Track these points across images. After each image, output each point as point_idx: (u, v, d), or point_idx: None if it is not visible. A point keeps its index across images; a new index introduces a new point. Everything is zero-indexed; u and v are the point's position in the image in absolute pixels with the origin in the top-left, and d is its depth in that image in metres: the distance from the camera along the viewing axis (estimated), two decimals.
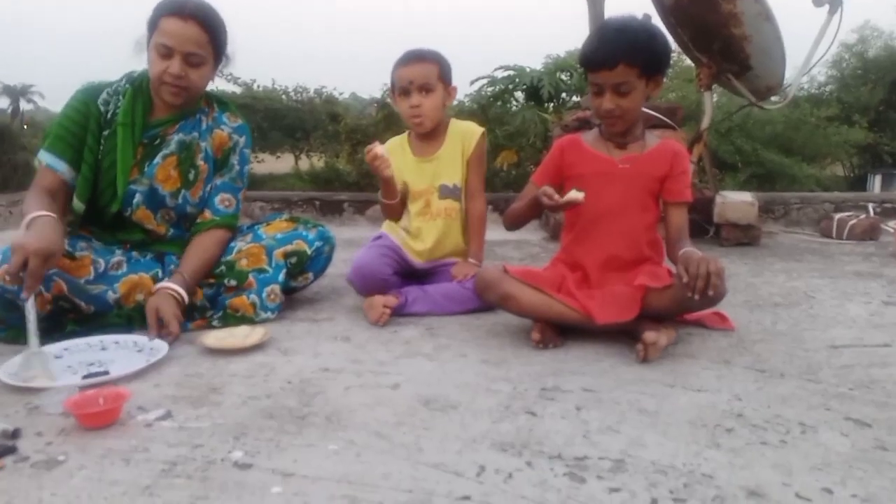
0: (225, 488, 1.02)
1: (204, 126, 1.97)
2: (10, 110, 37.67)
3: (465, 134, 2.20)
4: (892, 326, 1.83)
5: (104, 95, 1.88)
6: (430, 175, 2.18)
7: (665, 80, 1.79)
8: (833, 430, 1.20)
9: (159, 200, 1.91)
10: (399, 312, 1.97)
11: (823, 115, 12.11)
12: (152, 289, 1.79)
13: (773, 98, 3.35)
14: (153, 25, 1.81)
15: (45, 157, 1.83)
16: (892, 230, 2.90)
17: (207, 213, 1.97)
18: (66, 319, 1.76)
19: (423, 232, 2.17)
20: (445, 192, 2.17)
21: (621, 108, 1.72)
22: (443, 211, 2.17)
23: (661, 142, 1.86)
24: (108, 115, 1.86)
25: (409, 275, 2.15)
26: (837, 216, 3.38)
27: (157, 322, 1.70)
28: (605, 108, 1.72)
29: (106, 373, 1.49)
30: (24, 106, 39.49)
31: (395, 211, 2.19)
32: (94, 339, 1.69)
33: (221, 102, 2.06)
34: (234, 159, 2.02)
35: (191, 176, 1.93)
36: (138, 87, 1.90)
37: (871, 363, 1.54)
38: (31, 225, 1.60)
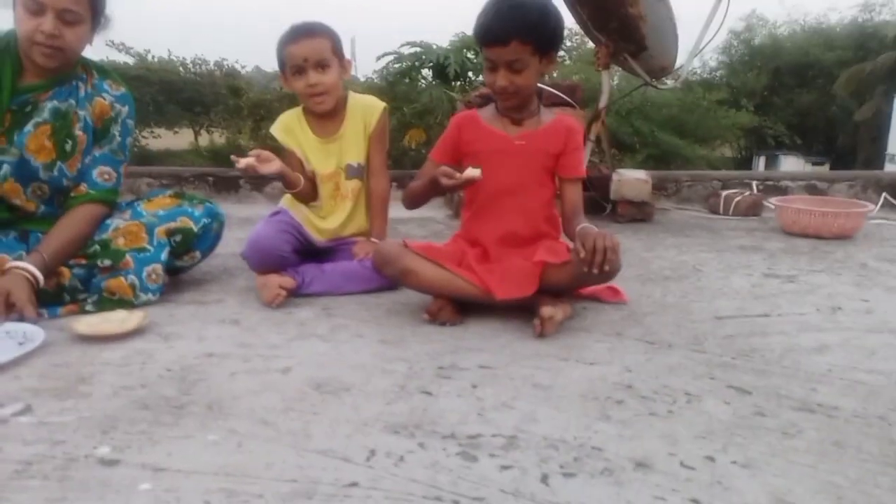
0: (86, 488, 0.93)
1: (82, 93, 1.79)
2: None
3: (367, 109, 2.10)
4: (771, 297, 1.93)
5: None
6: (335, 155, 2.08)
7: (559, 56, 1.78)
8: (716, 399, 1.24)
9: (31, 173, 1.73)
10: (296, 293, 1.89)
11: (714, 99, 12.74)
12: (2, 267, 1.62)
13: (668, 81, 3.45)
14: None
15: None
16: (773, 206, 3.07)
17: (83, 187, 1.80)
18: None
19: (333, 212, 2.10)
20: (352, 172, 2.09)
21: (515, 84, 1.70)
22: (350, 192, 2.10)
23: (555, 118, 1.86)
24: None
25: (308, 253, 2.06)
26: (724, 193, 3.54)
27: (5, 307, 1.53)
28: (499, 84, 1.70)
29: None
30: None
31: (308, 196, 2.06)
32: None
33: (101, 69, 1.87)
34: (116, 130, 1.86)
35: (67, 147, 1.76)
36: (4, 48, 1.70)
37: (752, 332, 1.61)
38: None
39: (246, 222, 3.08)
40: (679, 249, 2.60)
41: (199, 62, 17.62)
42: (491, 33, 1.67)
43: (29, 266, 1.60)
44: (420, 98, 8.83)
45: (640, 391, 1.27)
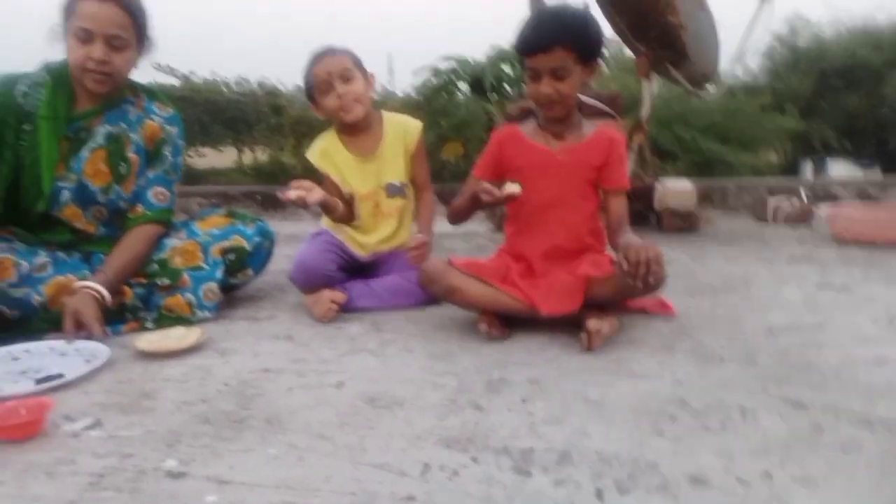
0: (156, 499, 0.97)
1: (132, 117, 1.88)
2: None
3: (404, 128, 2.14)
4: (825, 309, 1.89)
5: (22, 87, 1.76)
6: (374, 175, 2.10)
7: (600, 65, 1.79)
8: (771, 413, 1.22)
9: (90, 196, 1.82)
10: (344, 308, 1.93)
11: (758, 104, 12.50)
12: (71, 287, 1.69)
13: (710, 88, 3.42)
14: (69, 11, 1.71)
15: None
16: (823, 214, 3.01)
17: (140, 208, 1.89)
18: None
19: (375, 230, 2.12)
20: (393, 191, 2.12)
21: (559, 92, 1.72)
22: (394, 210, 2.12)
23: (597, 130, 1.87)
24: (28, 109, 1.75)
25: (353, 269, 2.10)
26: (772, 201, 3.48)
27: (73, 325, 1.60)
28: (543, 92, 1.72)
29: (61, 376, 1.40)
30: None
31: (346, 218, 2.08)
32: (1, 351, 1.58)
33: (149, 91, 1.96)
34: (167, 150, 1.94)
35: (122, 169, 1.84)
36: (59, 78, 1.79)
37: (807, 345, 1.58)
38: None
39: (293, 239, 3.15)
40: (727, 260, 2.57)
41: (242, 82, 18.07)
42: (534, 41, 1.69)
43: (96, 285, 1.68)
44: (457, 111, 8.87)
45: (692, 406, 1.26)
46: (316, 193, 1.87)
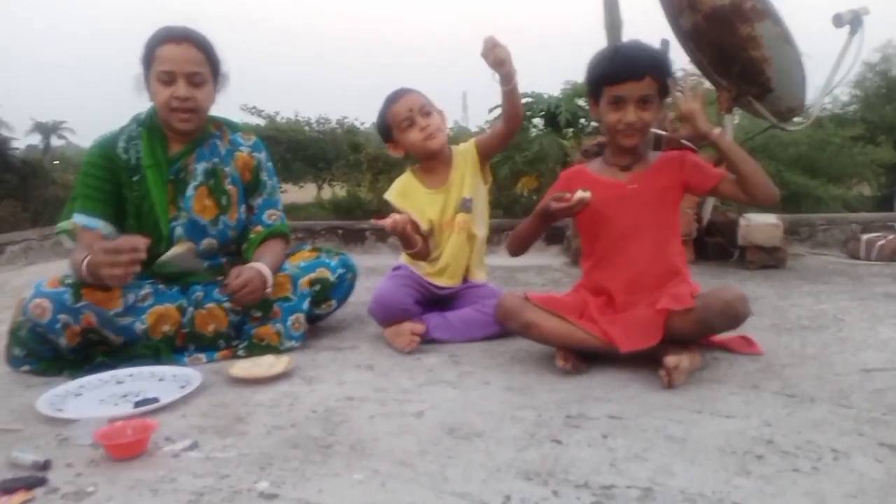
0: None
1: (223, 151, 2.01)
2: (41, 146, 38.72)
3: (463, 152, 2.21)
4: None
5: (121, 144, 1.91)
6: (450, 204, 2.16)
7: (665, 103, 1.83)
8: (867, 457, 1.17)
9: (201, 230, 1.96)
10: (424, 339, 1.98)
11: (848, 135, 11.96)
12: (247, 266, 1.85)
13: (796, 119, 3.33)
14: (149, 60, 1.85)
15: (80, 219, 1.87)
16: None
17: (259, 227, 2.04)
18: (94, 351, 1.79)
19: (443, 248, 2.16)
20: (462, 207, 2.17)
21: (643, 120, 1.74)
22: (460, 225, 2.15)
23: (661, 155, 1.89)
24: (133, 162, 1.90)
25: (431, 302, 2.15)
26: (865, 237, 3.32)
27: (236, 275, 1.79)
28: (628, 120, 1.74)
29: (156, 399, 1.51)
30: (54, 142, 40.57)
31: (423, 255, 2.14)
32: (106, 375, 1.70)
33: (230, 124, 2.10)
34: (264, 176, 2.08)
35: (223, 201, 1.98)
36: (150, 127, 1.93)
37: None
38: (89, 263, 1.65)
39: (372, 272, 3.24)
40: (817, 297, 2.47)
41: (323, 121, 18.78)
42: (624, 69, 1.73)
43: (261, 267, 1.85)
44: (531, 146, 8.92)
45: (781, 446, 1.22)
46: (405, 217, 1.98)
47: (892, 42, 15.94)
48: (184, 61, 1.83)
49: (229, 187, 1.99)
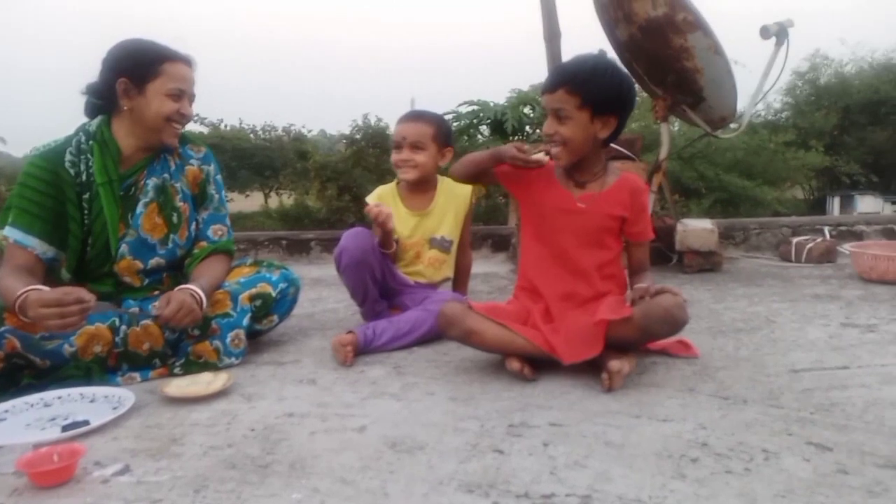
0: None
1: (173, 166, 1.95)
2: None
3: (458, 192, 2.33)
4: (850, 348, 1.87)
5: (69, 157, 1.81)
6: (422, 228, 2.30)
7: (614, 122, 1.78)
8: (795, 456, 1.21)
9: (150, 249, 1.89)
10: (366, 349, 1.96)
11: (781, 141, 12.46)
12: (179, 288, 1.79)
13: (731, 126, 3.45)
14: (150, 72, 1.82)
15: (12, 234, 1.76)
16: (848, 252, 2.98)
17: (203, 243, 1.99)
18: (20, 374, 1.70)
19: (412, 273, 2.30)
20: (437, 244, 2.30)
21: (560, 134, 1.76)
22: (434, 261, 2.30)
23: (619, 178, 1.88)
24: (83, 177, 1.81)
25: (385, 290, 2.22)
26: (795, 240, 3.46)
27: (165, 303, 1.72)
28: (545, 130, 1.78)
29: (87, 422, 1.44)
30: None
31: (393, 258, 2.24)
32: (34, 398, 1.62)
33: (181, 137, 2.01)
34: (212, 189, 2.03)
35: (174, 219, 1.93)
36: (102, 141, 1.84)
37: (831, 386, 1.57)
38: (25, 304, 1.56)
39: (317, 283, 3.20)
40: (750, 300, 2.55)
41: (269, 128, 18.54)
42: (546, 81, 1.78)
43: (195, 288, 1.79)
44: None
45: (715, 448, 1.25)
46: (392, 221, 2.07)
47: (819, 52, 16.72)
48: (192, 82, 1.90)
49: (180, 204, 1.94)
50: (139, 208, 1.87)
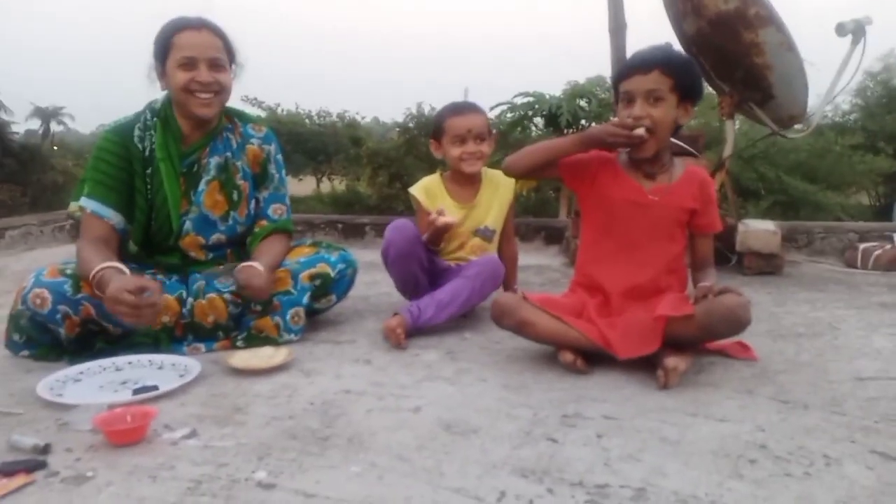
0: None
1: (235, 145, 1.99)
2: (40, 131, 38.61)
3: (500, 182, 2.35)
4: None
5: (137, 132, 1.88)
6: (470, 220, 2.33)
7: (694, 109, 1.80)
8: (858, 464, 1.18)
9: (211, 226, 1.96)
10: (415, 328, 2.00)
11: (848, 144, 11.99)
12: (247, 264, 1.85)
13: (797, 126, 3.34)
14: (165, 49, 1.83)
15: (89, 204, 1.83)
16: None
17: (264, 222, 2.04)
18: (94, 340, 1.79)
19: (449, 251, 2.34)
20: (479, 233, 2.34)
21: (651, 117, 1.71)
22: (477, 249, 2.32)
23: (686, 170, 1.86)
24: (147, 153, 1.88)
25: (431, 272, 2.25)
26: (862, 246, 3.33)
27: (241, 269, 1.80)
28: (635, 113, 1.71)
29: (156, 387, 1.51)
30: (54, 127, 40.43)
31: (438, 252, 2.29)
32: (106, 362, 1.70)
33: (241, 115, 2.08)
34: (272, 169, 2.07)
35: (234, 196, 1.98)
36: (165, 119, 1.91)
37: None
38: (101, 281, 1.63)
39: (371, 266, 3.24)
40: (813, 305, 2.48)
41: (324, 114, 18.78)
42: (634, 63, 1.74)
43: (258, 265, 1.84)
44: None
45: (774, 451, 1.24)
46: (454, 223, 2.13)
47: (893, 51, 15.96)
48: (205, 47, 1.83)
49: (241, 182, 1.99)
50: (201, 185, 1.93)
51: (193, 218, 1.93)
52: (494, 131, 2.33)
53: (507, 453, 1.23)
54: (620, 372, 1.68)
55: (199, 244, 1.96)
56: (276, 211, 2.07)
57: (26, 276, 1.77)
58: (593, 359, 1.72)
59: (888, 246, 3.35)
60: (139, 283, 1.61)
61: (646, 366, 1.65)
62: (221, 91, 1.88)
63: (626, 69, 1.76)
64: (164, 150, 1.89)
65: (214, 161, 1.95)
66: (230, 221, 1.98)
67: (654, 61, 1.71)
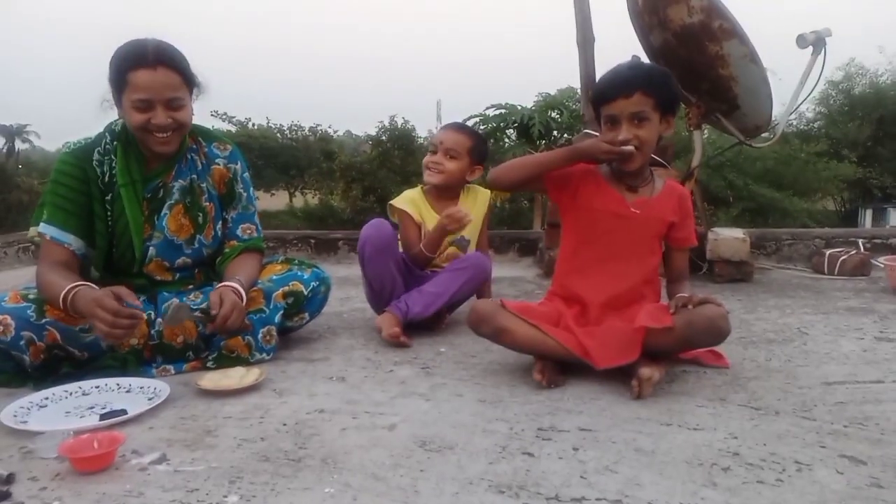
0: None
1: (199, 166, 1.94)
2: (5, 150, 37.83)
3: (479, 196, 2.47)
4: (884, 362, 1.84)
5: (96, 156, 1.82)
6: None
7: (673, 122, 1.81)
8: (828, 468, 1.20)
9: (176, 250, 1.91)
10: (406, 321, 2.11)
11: (813, 151, 12.28)
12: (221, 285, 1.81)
13: (763, 135, 3.41)
14: (120, 83, 1.74)
15: (48, 230, 1.78)
16: (882, 265, 2.93)
17: (234, 242, 2.00)
18: (60, 364, 1.75)
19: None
20: (455, 242, 2.40)
21: (639, 138, 1.72)
22: (449, 255, 2.38)
23: (666, 184, 1.89)
24: (107, 178, 1.82)
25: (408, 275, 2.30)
26: (829, 252, 3.41)
27: (219, 302, 1.73)
28: (622, 137, 1.71)
29: (124, 412, 1.48)
30: (19, 145, 39.63)
31: (426, 261, 2.32)
32: (72, 386, 1.66)
33: (205, 134, 2.01)
34: (239, 188, 2.02)
35: (199, 219, 1.93)
36: (126, 143, 1.84)
37: (865, 399, 1.55)
38: (76, 298, 1.60)
39: (345, 282, 3.23)
40: (782, 311, 2.53)
41: (296, 128, 18.74)
42: (615, 86, 1.73)
43: (235, 284, 1.80)
44: (504, 157, 9.02)
45: (746, 458, 1.25)
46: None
47: (854, 60, 16.44)
48: (161, 87, 1.72)
49: (206, 204, 1.94)
50: (164, 210, 1.88)
51: (157, 244, 1.88)
52: (479, 165, 2.40)
53: (484, 469, 1.22)
54: (595, 382, 1.68)
55: (164, 268, 1.93)
56: (245, 231, 2.03)
57: None
58: (568, 369, 1.73)
59: (853, 251, 3.42)
60: (123, 291, 1.58)
61: (620, 376, 1.66)
62: (180, 128, 1.80)
63: (608, 92, 1.74)
64: (127, 176, 1.83)
65: (178, 184, 1.90)
66: (196, 245, 1.94)
67: (636, 83, 1.70)
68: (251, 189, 2.08)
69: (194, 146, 1.96)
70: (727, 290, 2.95)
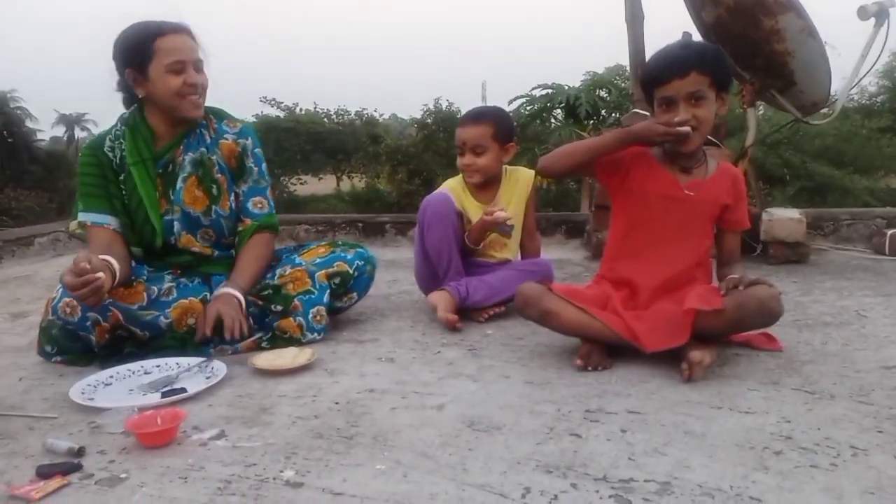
0: None
1: (209, 140, 1.99)
2: (65, 138, 39.30)
3: (520, 179, 2.40)
4: None
5: (108, 143, 1.93)
6: None
7: (728, 99, 1.77)
8: (886, 454, 1.17)
9: (195, 222, 1.97)
10: (462, 305, 2.12)
11: (875, 127, 11.76)
12: (216, 295, 1.86)
13: (823, 111, 3.28)
14: (145, 54, 1.83)
15: (87, 217, 1.90)
16: None
17: (247, 221, 2.04)
18: (124, 345, 1.84)
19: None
20: (501, 229, 2.33)
21: (697, 118, 1.69)
22: (492, 242, 2.36)
23: (720, 166, 1.85)
24: (118, 160, 1.92)
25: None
26: (890, 232, 3.27)
27: (213, 323, 1.78)
28: (679, 119, 1.67)
29: (184, 390, 1.55)
30: (78, 133, 41.12)
31: (472, 252, 2.33)
32: (135, 365, 1.74)
33: (217, 113, 2.07)
34: (250, 162, 2.05)
35: (214, 191, 1.98)
36: (133, 126, 1.93)
37: None
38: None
39: (392, 265, 3.27)
40: (839, 293, 2.45)
41: (342, 112, 18.85)
42: (668, 66, 1.70)
43: (233, 291, 1.86)
44: (550, 138, 8.90)
45: (800, 442, 1.23)
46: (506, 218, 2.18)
47: None
48: (189, 49, 1.87)
49: (218, 176, 1.99)
50: (178, 184, 1.94)
51: (179, 218, 1.95)
52: (510, 143, 2.31)
53: (531, 449, 1.24)
54: (643, 366, 1.67)
55: (193, 241, 1.99)
56: (256, 205, 2.05)
57: (55, 281, 1.82)
58: (616, 353, 1.72)
59: None
60: (84, 258, 1.60)
61: (669, 359, 1.64)
62: (204, 91, 1.93)
63: (661, 74, 1.71)
64: (136, 155, 1.91)
65: (189, 158, 1.95)
66: (213, 216, 1.99)
67: (690, 62, 1.67)
68: (263, 164, 2.10)
69: (204, 122, 2.01)
70: (782, 271, 2.87)
